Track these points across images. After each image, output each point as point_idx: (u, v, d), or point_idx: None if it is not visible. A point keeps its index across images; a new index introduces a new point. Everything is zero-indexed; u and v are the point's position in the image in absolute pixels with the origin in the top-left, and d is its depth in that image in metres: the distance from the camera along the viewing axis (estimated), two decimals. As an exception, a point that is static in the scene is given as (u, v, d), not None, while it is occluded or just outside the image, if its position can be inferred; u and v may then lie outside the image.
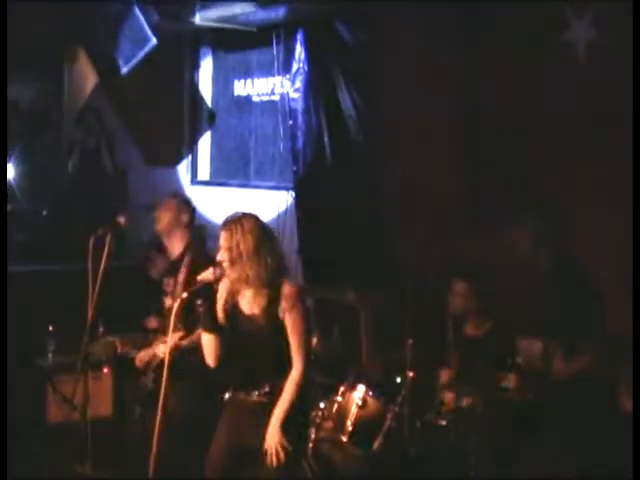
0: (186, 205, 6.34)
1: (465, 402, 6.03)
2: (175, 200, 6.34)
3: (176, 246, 6.24)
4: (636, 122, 5.79)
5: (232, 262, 4.89)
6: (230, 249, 4.88)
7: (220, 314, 5.03)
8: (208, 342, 5.05)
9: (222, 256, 4.92)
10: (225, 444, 5.12)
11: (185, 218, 6.24)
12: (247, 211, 5.06)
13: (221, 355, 5.06)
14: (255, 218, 5.01)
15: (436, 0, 7.12)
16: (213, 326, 5.00)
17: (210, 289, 4.98)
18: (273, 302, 4.93)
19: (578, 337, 5.98)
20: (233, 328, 5.04)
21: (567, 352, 6.02)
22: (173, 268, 6.16)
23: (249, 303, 5.01)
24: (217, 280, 4.95)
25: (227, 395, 5.17)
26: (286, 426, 4.89)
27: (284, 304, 4.91)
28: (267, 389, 4.98)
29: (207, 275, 4.94)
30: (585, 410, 5.76)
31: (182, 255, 6.16)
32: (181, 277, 6.00)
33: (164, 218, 6.21)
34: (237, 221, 4.95)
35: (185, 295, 4.99)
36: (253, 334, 4.99)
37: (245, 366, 5.05)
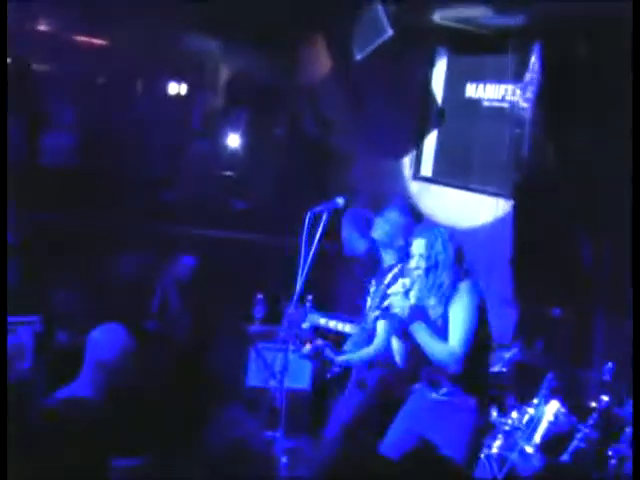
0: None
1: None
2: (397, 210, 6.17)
3: (391, 256, 6.13)
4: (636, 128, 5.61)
5: (428, 270, 5.05)
6: (429, 257, 5.03)
7: None
8: (398, 348, 5.33)
9: (417, 263, 5.07)
10: (403, 432, 5.29)
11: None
12: (440, 224, 5.22)
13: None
14: (450, 231, 5.17)
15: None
16: (403, 333, 5.19)
17: (403, 298, 5.13)
18: None
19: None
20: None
21: None
22: (382, 273, 6.13)
23: None
24: (408, 290, 5.14)
25: (417, 385, 5.35)
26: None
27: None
28: (446, 389, 5.14)
29: (398, 287, 5.14)
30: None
31: (394, 265, 6.06)
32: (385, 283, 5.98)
33: (384, 227, 6.12)
34: (436, 231, 5.13)
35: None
36: None
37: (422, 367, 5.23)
